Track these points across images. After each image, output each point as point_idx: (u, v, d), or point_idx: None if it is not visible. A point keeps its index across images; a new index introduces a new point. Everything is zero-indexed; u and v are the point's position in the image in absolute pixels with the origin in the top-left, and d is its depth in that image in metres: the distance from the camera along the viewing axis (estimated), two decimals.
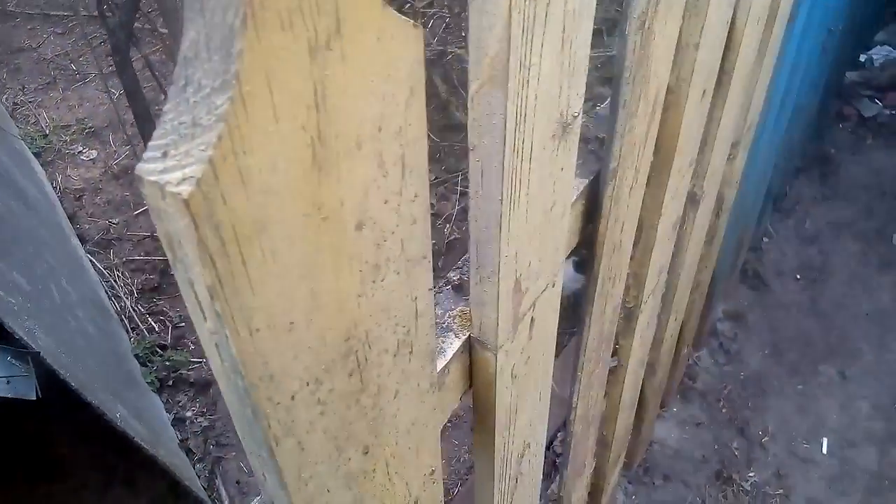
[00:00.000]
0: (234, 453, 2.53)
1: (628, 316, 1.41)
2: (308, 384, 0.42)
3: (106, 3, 2.64)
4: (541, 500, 1.90)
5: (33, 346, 1.68)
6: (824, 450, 2.35)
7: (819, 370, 2.55)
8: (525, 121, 0.56)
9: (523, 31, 0.49)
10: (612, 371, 1.57)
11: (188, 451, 2.55)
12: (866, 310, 2.73)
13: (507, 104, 0.52)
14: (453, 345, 0.73)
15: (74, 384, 1.78)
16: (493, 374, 0.75)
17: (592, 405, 1.32)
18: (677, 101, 1.06)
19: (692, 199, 1.50)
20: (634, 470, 2.28)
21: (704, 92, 1.12)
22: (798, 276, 2.85)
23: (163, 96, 3.18)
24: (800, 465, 2.30)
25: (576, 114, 0.65)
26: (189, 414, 2.65)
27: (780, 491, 2.24)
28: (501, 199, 0.58)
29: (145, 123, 2.77)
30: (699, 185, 1.47)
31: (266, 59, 0.29)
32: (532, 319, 0.79)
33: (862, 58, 3.67)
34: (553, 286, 0.81)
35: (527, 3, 0.48)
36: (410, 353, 0.51)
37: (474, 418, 0.83)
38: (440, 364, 0.71)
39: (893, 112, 3.44)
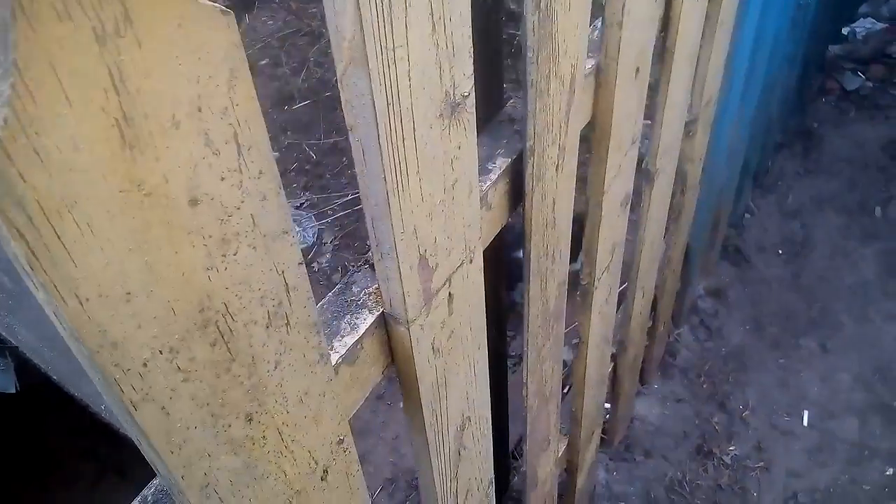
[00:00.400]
0: None
1: (584, 293, 1.44)
2: (161, 352, 0.44)
3: None
4: (511, 475, 1.93)
5: (13, 341, 1.72)
6: (805, 422, 2.37)
7: (800, 343, 2.57)
8: (399, 101, 0.58)
9: (378, 14, 0.52)
10: (575, 348, 1.59)
11: None
12: (848, 282, 2.75)
13: (373, 85, 0.55)
14: (367, 320, 0.75)
15: (57, 378, 1.82)
16: (410, 349, 0.78)
17: (548, 380, 1.35)
18: (607, 79, 1.08)
19: (646, 176, 1.53)
20: (615, 447, 2.31)
21: (638, 70, 1.14)
22: (780, 252, 2.86)
23: None
24: (780, 438, 2.33)
25: (465, 94, 0.67)
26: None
27: (761, 463, 2.27)
28: (385, 178, 0.61)
29: None
30: (651, 162, 1.49)
31: (47, 48, 0.31)
32: (450, 294, 0.82)
33: (845, 31, 3.66)
34: (471, 262, 0.83)
35: None
36: (287, 325, 0.54)
37: (401, 392, 0.86)
38: (352, 339, 0.74)
39: (876, 85, 3.44)
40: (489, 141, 0.96)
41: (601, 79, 1.08)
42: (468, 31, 0.64)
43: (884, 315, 2.62)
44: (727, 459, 2.28)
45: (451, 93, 0.65)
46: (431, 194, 0.69)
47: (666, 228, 1.89)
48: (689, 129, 1.71)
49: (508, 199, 0.96)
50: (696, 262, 2.40)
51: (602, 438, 2.30)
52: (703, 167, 2.12)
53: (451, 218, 0.75)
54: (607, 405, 2.28)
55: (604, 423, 2.27)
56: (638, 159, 1.49)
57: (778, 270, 2.80)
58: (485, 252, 1.05)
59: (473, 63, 0.89)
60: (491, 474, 1.21)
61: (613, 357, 2.03)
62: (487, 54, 0.93)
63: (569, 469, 1.95)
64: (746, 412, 2.39)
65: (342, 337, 0.74)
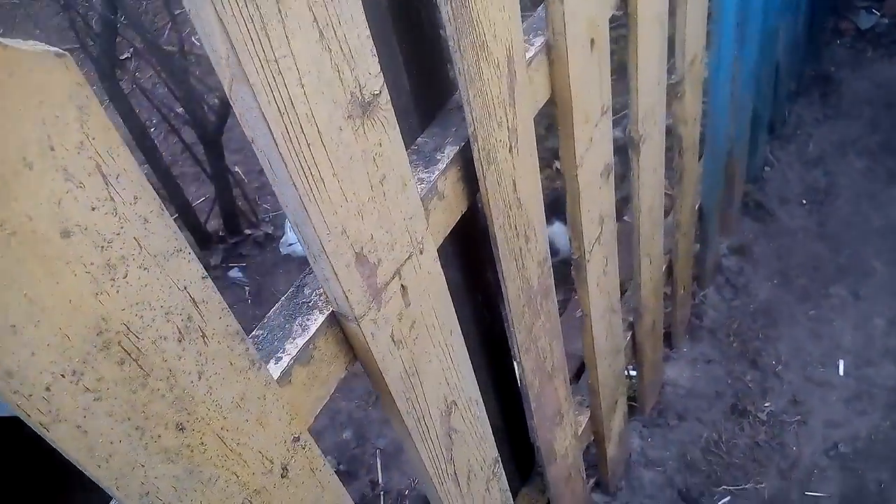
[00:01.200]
0: None
1: (577, 266, 1.45)
2: (64, 376, 0.47)
3: (87, 35, 2.75)
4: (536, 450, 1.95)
5: None
6: (841, 371, 2.33)
7: (830, 293, 2.52)
8: (294, 109, 0.60)
9: (249, 30, 0.54)
10: (581, 321, 1.60)
11: None
12: (876, 226, 2.68)
13: (260, 99, 0.57)
14: (317, 320, 0.78)
15: None
16: (366, 343, 0.80)
17: (547, 356, 1.36)
18: (559, 55, 1.08)
19: (631, 144, 1.52)
20: (648, 413, 2.30)
21: (594, 41, 1.14)
22: (804, 201, 2.81)
23: (158, 114, 3.29)
24: (816, 390, 2.30)
25: (375, 92, 0.69)
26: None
27: (798, 417, 2.24)
28: (295, 184, 0.63)
29: (144, 141, 2.88)
30: (633, 130, 1.48)
31: None
32: (403, 287, 0.84)
33: None
34: (422, 253, 0.85)
35: (240, 6, 0.52)
36: (203, 336, 0.57)
37: (371, 384, 0.89)
38: (303, 340, 0.76)
39: (892, 21, 3.32)
40: (439, 130, 0.97)
41: (553, 55, 1.08)
42: (364, 31, 0.65)
43: None
44: (763, 416, 2.25)
45: (358, 93, 0.67)
46: (356, 193, 0.71)
47: (670, 193, 1.87)
48: (675, 90, 1.69)
49: (464, 185, 0.98)
50: (713, 222, 2.38)
51: (632, 406, 2.30)
52: (706, 126, 2.09)
53: (387, 213, 0.77)
54: (633, 373, 2.28)
55: (632, 390, 2.27)
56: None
57: (802, 221, 2.74)
58: (462, 235, 1.07)
59: (402, 57, 0.91)
60: (494, 454, 1.23)
61: (631, 326, 2.03)
62: (420, 46, 0.95)
63: (596, 440, 1.96)
64: (779, 367, 2.36)
65: (293, 339, 0.77)
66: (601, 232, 1.44)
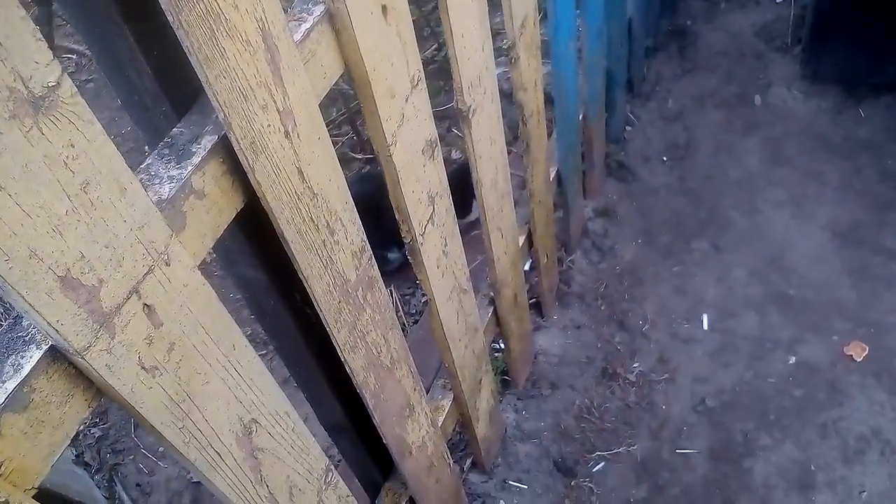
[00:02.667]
0: (131, 457, 2.47)
1: (411, 251, 1.36)
2: None
3: None
4: None
5: None
6: (705, 326, 2.35)
7: (692, 247, 2.54)
8: None
9: None
10: (428, 307, 1.52)
11: (85, 465, 2.50)
12: (734, 177, 2.72)
13: None
14: (33, 357, 0.66)
15: None
16: (102, 377, 0.68)
17: (382, 349, 1.27)
18: (344, 25, 0.97)
19: (460, 116, 1.43)
20: (522, 386, 2.26)
21: (384, 7, 1.03)
22: (664, 158, 2.82)
23: None
24: (682, 346, 2.31)
25: (51, 84, 0.57)
26: (80, 427, 2.58)
27: (666, 375, 2.25)
28: None
29: None
30: (461, 100, 1.40)
31: None
32: (147, 306, 0.72)
33: None
34: (168, 264, 0.73)
35: None
36: None
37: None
38: (14, 382, 0.64)
39: None
40: (198, 118, 0.85)
41: (338, 26, 0.97)
42: (16, 11, 0.53)
43: (772, 204, 2.60)
44: (632, 377, 2.25)
45: (22, 88, 0.55)
46: (45, 207, 0.59)
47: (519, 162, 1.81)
48: (509, 56, 1.62)
49: (236, 178, 0.86)
50: (572, 186, 2.34)
51: (506, 381, 2.25)
52: (552, 90, 2.03)
53: (102, 225, 0.65)
54: (500, 355, 2.23)
55: (504, 366, 2.23)
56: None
57: (664, 178, 2.75)
58: (259, 231, 0.96)
59: (134, 36, 0.78)
60: (323, 462, 1.14)
61: (492, 301, 1.97)
62: (161, 18, 0.82)
63: (463, 422, 1.90)
64: (646, 326, 2.36)
65: (3, 382, 0.64)
66: (433, 212, 1.35)
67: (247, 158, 0.83)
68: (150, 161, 0.82)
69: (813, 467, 1.99)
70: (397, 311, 2.49)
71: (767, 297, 2.37)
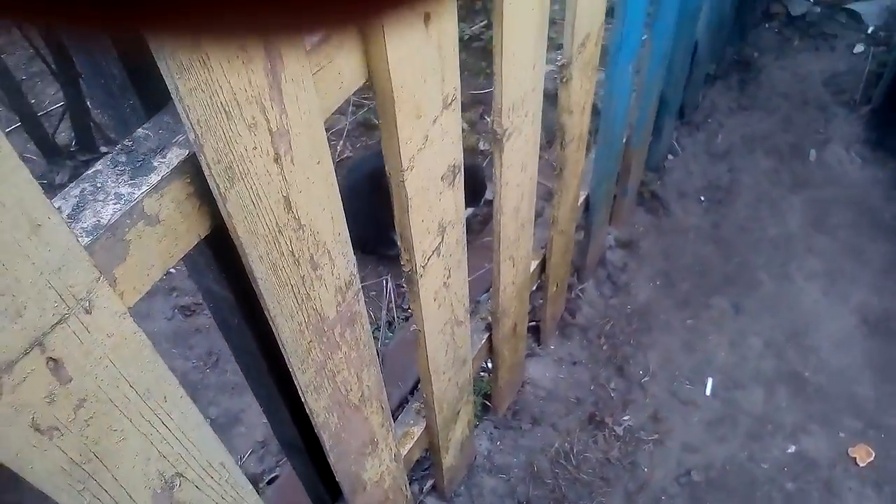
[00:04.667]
0: None
1: (408, 280, 1.20)
2: None
3: None
4: None
5: None
6: (708, 391, 2.19)
7: (711, 303, 2.36)
8: None
9: None
10: (415, 335, 1.37)
11: None
12: (771, 234, 2.53)
13: None
14: None
15: None
16: None
17: (352, 387, 1.12)
18: (374, 31, 0.81)
19: (493, 139, 1.26)
20: (503, 413, 2.12)
21: (428, 14, 0.86)
22: (702, 198, 2.63)
23: None
24: (679, 408, 2.15)
25: None
26: None
27: (655, 436, 2.09)
28: None
29: None
30: (497, 123, 1.22)
31: None
32: (52, 360, 0.57)
33: None
34: (88, 312, 0.58)
35: None
36: None
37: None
38: None
39: (824, 10, 3.14)
40: (171, 122, 0.69)
41: (367, 30, 0.80)
42: None
43: (805, 273, 2.42)
44: (619, 430, 2.10)
45: None
46: None
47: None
48: (560, 74, 1.44)
49: (202, 202, 0.70)
50: (600, 214, 2.17)
51: (486, 405, 2.11)
52: (602, 113, 1.86)
53: (17, 264, 0.49)
54: (486, 375, 2.09)
55: (487, 388, 2.08)
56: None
57: (697, 219, 2.57)
58: (229, 248, 0.80)
59: None
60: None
61: (489, 327, 1.81)
62: None
63: (431, 450, 1.76)
64: (646, 378, 2.20)
65: None
66: (441, 242, 1.19)
67: (218, 185, 0.66)
68: (99, 167, 0.66)
69: None
70: (389, 304, 2.33)
71: (780, 375, 2.20)
